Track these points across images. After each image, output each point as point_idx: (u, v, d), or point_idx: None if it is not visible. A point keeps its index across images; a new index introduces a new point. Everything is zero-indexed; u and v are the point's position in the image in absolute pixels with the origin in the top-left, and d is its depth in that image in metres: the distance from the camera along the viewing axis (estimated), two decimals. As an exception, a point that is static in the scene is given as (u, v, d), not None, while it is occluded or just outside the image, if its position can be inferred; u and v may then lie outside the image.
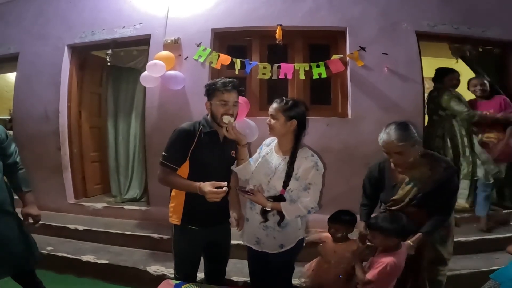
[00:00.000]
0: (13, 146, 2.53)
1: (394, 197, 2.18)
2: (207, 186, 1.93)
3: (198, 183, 1.98)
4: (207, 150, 2.11)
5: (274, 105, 2.14)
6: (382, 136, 2.13)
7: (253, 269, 2.41)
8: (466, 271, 3.05)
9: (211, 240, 2.27)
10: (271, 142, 2.31)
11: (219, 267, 2.43)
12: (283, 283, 2.33)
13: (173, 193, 2.23)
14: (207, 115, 2.21)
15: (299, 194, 2.11)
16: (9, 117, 5.74)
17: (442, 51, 4.51)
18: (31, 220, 2.48)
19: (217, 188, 1.93)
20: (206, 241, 2.26)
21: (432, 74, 4.14)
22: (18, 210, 2.46)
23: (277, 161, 2.16)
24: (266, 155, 2.23)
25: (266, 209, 2.09)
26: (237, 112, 2.17)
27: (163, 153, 2.13)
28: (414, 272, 2.21)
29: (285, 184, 2.09)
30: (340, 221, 2.40)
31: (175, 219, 2.21)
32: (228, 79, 2.14)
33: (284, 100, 2.14)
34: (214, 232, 2.25)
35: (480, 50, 4.20)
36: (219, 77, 3.99)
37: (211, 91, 2.13)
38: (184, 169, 2.12)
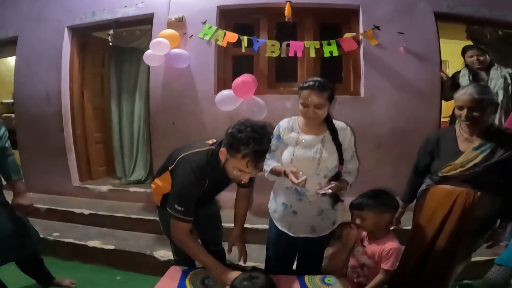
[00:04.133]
0: (2, 130, 2.37)
1: (455, 162, 2.01)
2: (231, 278, 1.73)
3: (222, 271, 1.81)
4: (215, 185, 2.01)
5: (315, 93, 1.91)
6: (462, 92, 2.01)
7: (283, 256, 2.29)
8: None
9: (197, 219, 2.14)
10: (291, 124, 2.12)
11: (212, 248, 2.30)
12: (318, 263, 2.30)
13: (159, 178, 2.11)
14: (216, 152, 1.89)
15: (347, 164, 2.07)
16: (12, 100, 5.70)
17: (457, 33, 4.36)
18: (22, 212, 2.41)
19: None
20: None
21: (446, 56, 3.97)
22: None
23: (316, 141, 2.02)
24: (298, 139, 2.06)
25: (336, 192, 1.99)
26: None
27: (176, 206, 1.85)
28: (440, 259, 2.08)
29: (341, 160, 2.02)
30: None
31: (156, 199, 2.14)
32: (261, 147, 1.72)
33: (321, 84, 1.93)
34: (199, 211, 2.13)
35: (500, 33, 4.01)
36: (225, 57, 4.01)
37: (235, 149, 1.72)
38: None
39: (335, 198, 2.06)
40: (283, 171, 1.94)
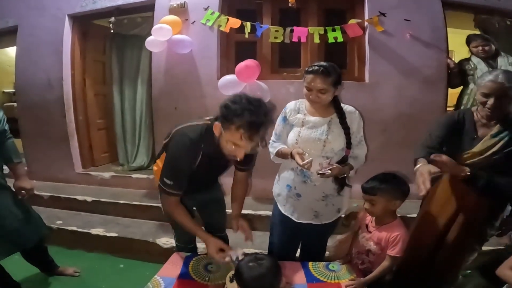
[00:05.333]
0: (0, 113, 2.36)
1: (473, 150, 1.94)
2: (212, 248, 1.85)
3: (206, 238, 1.89)
4: (208, 166, 1.87)
5: (318, 78, 1.88)
6: (490, 77, 1.86)
7: (286, 242, 2.26)
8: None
9: (200, 204, 2.21)
10: (297, 106, 2.10)
11: (216, 233, 2.26)
12: (321, 251, 2.30)
13: (160, 159, 2.06)
14: (211, 127, 1.81)
15: (354, 148, 2.04)
16: (13, 90, 5.70)
17: (464, 22, 4.26)
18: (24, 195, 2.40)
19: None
20: (194, 205, 2.20)
21: (452, 46, 3.89)
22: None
23: (323, 123, 2.00)
24: (305, 120, 2.03)
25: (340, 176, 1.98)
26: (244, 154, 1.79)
27: (165, 179, 1.83)
28: (452, 248, 2.06)
29: (349, 144, 1.99)
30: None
31: (156, 181, 2.07)
32: (256, 118, 1.63)
33: (326, 68, 1.89)
34: (202, 196, 2.15)
35: (508, 23, 3.93)
36: (228, 42, 3.95)
37: (230, 120, 1.65)
38: None
39: (341, 183, 2.03)
40: (290, 153, 1.94)
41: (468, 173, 1.86)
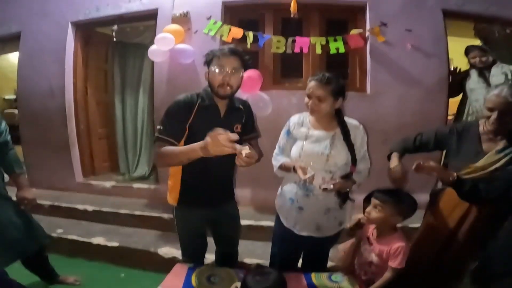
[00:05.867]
0: (3, 124, 2.39)
1: (477, 164, 1.92)
2: (224, 137, 1.49)
3: (199, 142, 1.62)
4: (205, 125, 1.69)
5: (320, 86, 1.91)
6: (495, 93, 1.88)
7: (288, 253, 2.24)
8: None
9: (214, 221, 2.16)
10: (301, 119, 2.11)
11: (227, 249, 2.33)
12: (323, 263, 2.29)
13: (171, 170, 2.08)
14: (208, 86, 1.99)
15: (358, 163, 2.02)
16: (15, 96, 5.71)
17: (464, 30, 4.30)
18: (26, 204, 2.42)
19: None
20: (208, 222, 2.15)
21: (450, 54, 3.89)
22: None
23: (326, 137, 1.99)
24: (308, 134, 2.03)
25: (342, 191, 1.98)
26: (237, 83, 1.95)
27: (158, 126, 1.87)
28: (455, 258, 2.06)
29: (354, 161, 1.98)
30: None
31: (172, 200, 2.09)
32: (227, 47, 1.94)
33: (329, 79, 1.91)
34: (217, 213, 2.12)
35: (508, 31, 3.95)
36: None
37: (209, 58, 1.93)
38: None
39: (343, 197, 2.02)
40: (292, 167, 1.93)
41: (455, 178, 1.88)
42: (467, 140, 2.03)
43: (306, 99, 1.98)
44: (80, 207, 3.95)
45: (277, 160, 2.10)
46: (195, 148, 1.63)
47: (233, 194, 2.25)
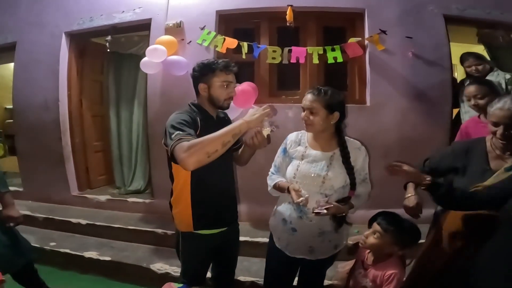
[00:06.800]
0: None
1: (484, 183, 1.80)
2: (263, 114, 1.73)
3: (249, 115, 1.74)
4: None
5: (312, 98, 1.85)
6: (498, 106, 1.77)
7: (282, 273, 2.16)
8: None
9: (222, 243, 2.09)
10: (299, 137, 2.03)
11: (228, 269, 2.27)
12: (320, 280, 2.20)
13: (174, 197, 2.00)
14: (195, 101, 2.00)
15: (357, 186, 1.93)
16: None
17: (467, 36, 4.21)
18: (12, 223, 2.41)
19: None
20: (217, 245, 2.08)
21: (456, 61, 3.83)
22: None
23: (323, 158, 1.90)
24: (305, 153, 1.95)
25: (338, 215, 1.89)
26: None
27: (176, 132, 1.68)
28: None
29: (353, 185, 1.89)
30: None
31: (185, 227, 1.98)
32: (226, 60, 1.95)
33: (322, 91, 1.85)
34: (226, 234, 2.06)
35: (512, 36, 3.87)
36: None
37: (209, 72, 1.90)
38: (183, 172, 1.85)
39: (339, 220, 1.92)
40: (286, 188, 1.85)
41: (429, 181, 1.80)
42: (473, 158, 1.93)
43: (302, 114, 1.90)
44: (74, 220, 3.93)
45: (272, 179, 2.03)
46: (237, 123, 1.70)
47: (237, 214, 2.23)
